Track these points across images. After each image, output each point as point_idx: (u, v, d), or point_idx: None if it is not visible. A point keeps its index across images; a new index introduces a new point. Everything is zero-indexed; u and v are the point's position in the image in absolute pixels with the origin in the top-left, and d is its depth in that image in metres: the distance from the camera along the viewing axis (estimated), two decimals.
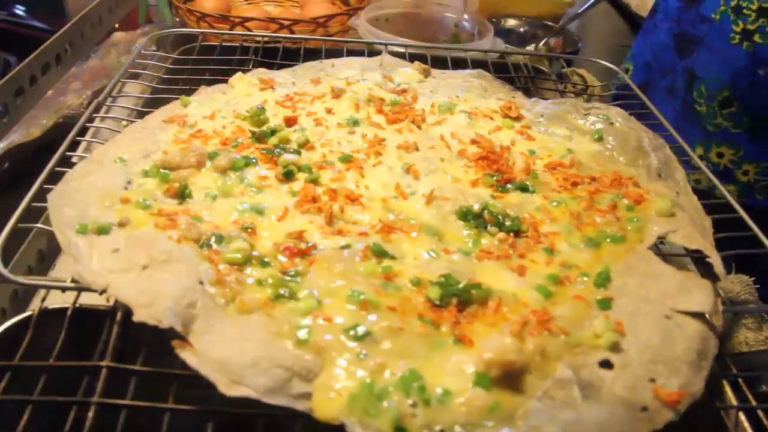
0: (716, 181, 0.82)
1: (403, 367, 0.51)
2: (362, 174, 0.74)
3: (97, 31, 1.01)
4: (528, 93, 1.02)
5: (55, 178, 0.71)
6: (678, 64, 1.23)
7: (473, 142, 0.83)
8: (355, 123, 0.84)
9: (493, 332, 0.55)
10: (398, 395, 0.48)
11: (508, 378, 0.51)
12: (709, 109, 1.18)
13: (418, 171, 0.76)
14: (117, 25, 1.42)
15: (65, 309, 0.58)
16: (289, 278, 0.59)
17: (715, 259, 0.67)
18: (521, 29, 1.52)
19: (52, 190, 0.67)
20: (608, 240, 0.68)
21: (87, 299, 0.60)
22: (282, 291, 0.56)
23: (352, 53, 1.07)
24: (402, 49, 1.09)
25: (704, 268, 0.72)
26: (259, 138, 0.79)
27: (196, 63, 0.97)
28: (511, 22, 1.52)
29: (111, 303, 0.59)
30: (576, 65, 1.23)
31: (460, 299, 0.57)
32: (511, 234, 0.68)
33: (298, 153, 0.77)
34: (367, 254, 0.62)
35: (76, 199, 0.66)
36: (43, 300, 0.59)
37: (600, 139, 0.85)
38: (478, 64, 1.08)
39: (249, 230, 0.64)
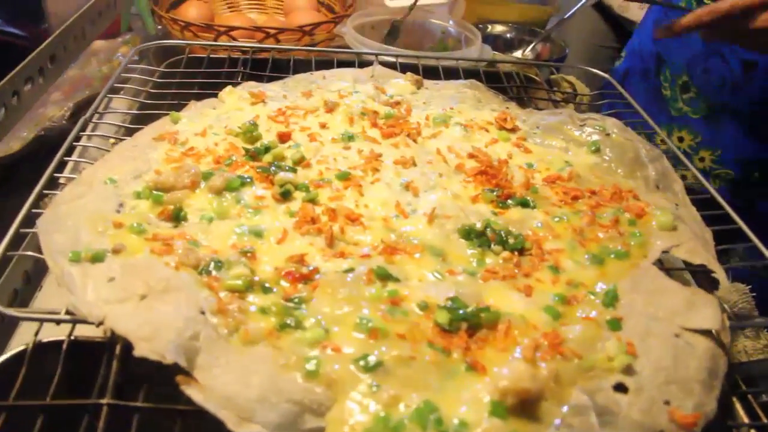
0: (707, 183, 0.82)
1: (417, 398, 0.49)
2: (361, 192, 0.73)
3: (80, 43, 0.98)
4: (521, 102, 1.01)
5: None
6: (652, 49, 1.27)
7: (470, 156, 0.82)
8: (350, 138, 0.83)
9: (506, 358, 0.54)
10: (414, 429, 0.47)
11: (524, 406, 0.50)
12: (673, 93, 1.21)
13: (417, 188, 0.74)
14: None
15: (60, 342, 0.56)
16: (293, 305, 0.57)
17: (721, 274, 0.66)
18: (508, 35, 1.51)
19: (42, 215, 0.65)
20: (612, 256, 0.67)
21: (83, 331, 0.58)
22: (288, 320, 0.55)
23: (341, 63, 1.06)
24: (392, 59, 1.08)
25: (701, 278, 0.72)
26: (253, 155, 0.77)
27: (184, 76, 0.95)
28: (498, 28, 1.52)
29: (108, 335, 0.56)
30: (563, 71, 1.23)
31: (469, 323, 0.56)
32: (515, 252, 0.67)
33: (294, 171, 0.75)
34: (371, 277, 0.61)
35: (66, 224, 0.64)
36: (37, 333, 0.57)
37: (597, 151, 0.85)
38: (469, 72, 1.07)
39: (248, 254, 0.62)
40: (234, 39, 1.24)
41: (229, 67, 1.00)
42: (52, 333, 0.60)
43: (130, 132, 0.81)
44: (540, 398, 0.50)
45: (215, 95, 0.91)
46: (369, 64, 1.05)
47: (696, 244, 0.69)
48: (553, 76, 1.18)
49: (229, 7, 1.53)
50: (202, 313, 0.55)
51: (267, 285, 0.60)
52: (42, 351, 0.56)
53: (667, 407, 0.52)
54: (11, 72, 0.83)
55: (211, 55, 1.01)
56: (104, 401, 0.52)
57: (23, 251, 0.65)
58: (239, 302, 0.57)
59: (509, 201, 0.75)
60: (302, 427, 0.48)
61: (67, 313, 0.57)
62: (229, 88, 0.90)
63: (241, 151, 0.78)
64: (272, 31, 1.27)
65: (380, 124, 0.87)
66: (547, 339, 0.55)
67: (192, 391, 0.50)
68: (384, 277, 0.61)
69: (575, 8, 1.32)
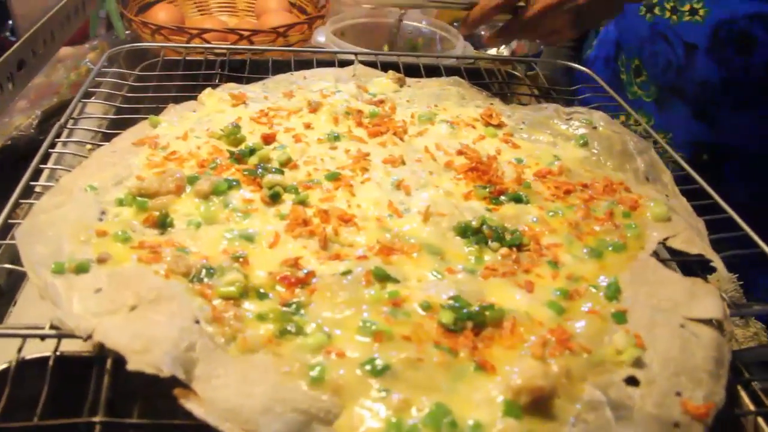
0: (697, 177, 0.82)
1: (428, 401, 0.48)
2: (352, 192, 0.71)
3: (49, 47, 0.94)
4: (504, 98, 1.01)
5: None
6: (612, 36, 1.31)
7: (459, 152, 0.81)
8: (336, 138, 0.81)
9: (514, 356, 0.53)
10: None
11: (537, 404, 0.48)
12: (628, 78, 1.25)
13: (409, 186, 0.73)
14: None
15: (46, 359, 0.53)
16: (291, 311, 0.55)
17: (718, 263, 0.66)
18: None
19: (19, 226, 0.62)
20: (610, 248, 0.67)
21: (69, 346, 0.55)
22: (288, 327, 0.53)
23: (320, 63, 1.04)
24: (373, 58, 1.06)
25: (689, 269, 0.72)
26: (239, 158, 0.75)
27: (160, 79, 0.92)
28: None
29: (97, 349, 0.53)
30: (541, 67, 1.23)
31: (474, 322, 0.55)
32: (514, 248, 0.66)
33: (281, 172, 0.73)
34: (369, 279, 0.59)
35: (47, 234, 0.61)
36: (20, 350, 0.54)
37: (585, 145, 0.84)
38: (450, 70, 1.06)
39: (241, 260, 0.60)
40: (207, 41, 1.21)
41: (207, 69, 0.97)
42: (35, 349, 0.56)
43: (107, 137, 0.78)
44: (553, 396, 0.49)
45: (194, 98, 0.88)
46: (348, 63, 1.04)
47: (691, 234, 0.69)
48: (529, 73, 1.18)
49: (199, 10, 1.50)
50: (197, 322, 0.53)
51: (262, 291, 0.57)
52: (26, 368, 0.53)
53: (679, 398, 0.51)
54: None
55: (186, 58, 0.98)
56: (97, 419, 0.49)
57: None
58: (235, 309, 0.54)
59: (502, 197, 0.74)
60: None
61: (52, 327, 0.53)
62: (208, 90, 0.88)
63: (226, 153, 0.76)
64: (246, 33, 1.24)
65: (366, 123, 0.85)
66: (554, 335, 0.54)
67: (192, 405, 0.47)
68: (383, 278, 0.59)
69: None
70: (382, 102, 0.91)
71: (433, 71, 1.05)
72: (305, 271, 0.59)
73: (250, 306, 0.56)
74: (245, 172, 0.72)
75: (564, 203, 0.73)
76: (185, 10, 1.46)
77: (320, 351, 0.51)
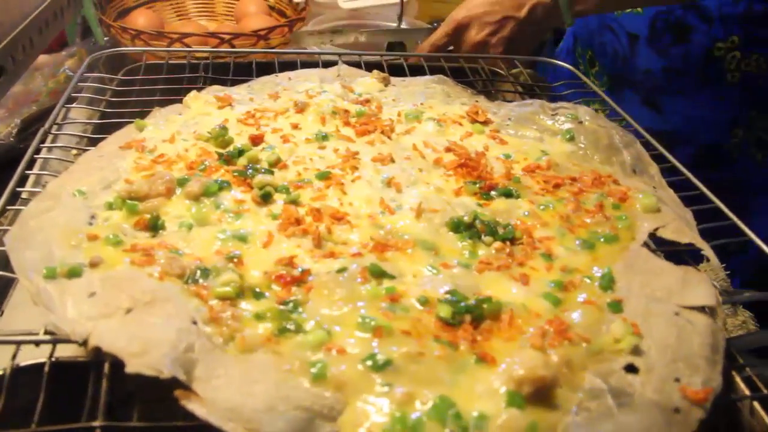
0: (683, 168, 0.83)
1: (430, 394, 0.47)
2: (344, 190, 0.71)
3: (28, 54, 0.93)
4: (488, 95, 1.01)
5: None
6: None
7: (447, 149, 0.81)
8: (324, 137, 0.81)
9: (514, 347, 0.53)
10: (434, 426, 0.45)
11: (540, 394, 0.48)
12: (585, 68, 1.30)
13: (399, 184, 0.73)
14: None
15: (41, 365, 0.52)
16: (288, 309, 0.55)
17: (709, 252, 0.67)
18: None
19: (8, 232, 0.60)
20: (602, 240, 0.67)
21: (63, 351, 0.54)
22: (287, 325, 0.52)
23: (304, 65, 1.03)
24: (356, 59, 1.06)
25: (675, 259, 0.73)
26: (228, 159, 0.74)
27: (144, 83, 0.91)
28: None
29: (93, 353, 0.52)
30: (524, 63, 1.23)
31: (472, 316, 0.55)
32: (507, 242, 0.66)
33: (271, 173, 0.73)
34: (365, 276, 0.59)
35: (37, 240, 0.60)
36: (14, 357, 0.53)
37: (572, 139, 0.85)
38: (433, 68, 1.06)
39: (235, 260, 0.59)
40: (188, 46, 1.20)
41: (190, 72, 0.96)
42: (28, 356, 0.55)
43: (92, 142, 0.77)
44: (555, 385, 0.49)
45: (179, 101, 0.87)
46: (331, 64, 1.03)
47: (681, 224, 0.70)
48: (513, 71, 1.19)
49: (177, 15, 1.49)
50: (194, 323, 0.52)
51: (258, 290, 0.57)
52: (21, 375, 0.52)
53: (677, 384, 0.51)
54: None
55: (170, 62, 0.98)
56: (97, 424, 0.48)
57: None
58: (232, 309, 0.54)
59: (492, 192, 0.74)
60: None
61: (47, 332, 0.53)
62: (193, 93, 0.87)
63: (214, 155, 0.75)
64: (227, 37, 1.24)
65: (353, 123, 0.85)
66: (552, 326, 0.54)
67: (193, 406, 0.46)
68: (378, 274, 0.59)
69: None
70: (368, 101, 0.91)
71: (416, 70, 1.05)
72: (300, 269, 0.59)
73: (246, 306, 0.55)
74: (235, 173, 0.71)
75: (554, 197, 0.74)
76: (164, 15, 1.45)
77: (320, 348, 0.51)
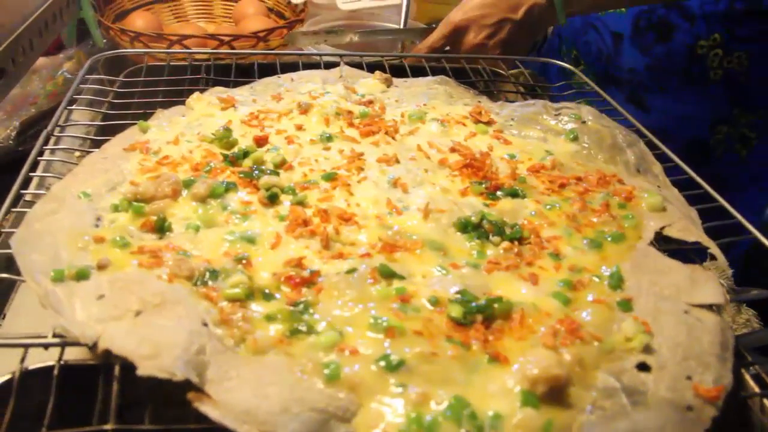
0: (686, 168, 0.84)
1: (445, 394, 0.47)
2: (350, 191, 0.71)
3: (28, 56, 0.92)
4: (490, 96, 1.01)
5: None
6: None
7: (452, 150, 0.81)
8: (329, 138, 0.81)
9: (525, 347, 0.53)
10: (450, 426, 0.45)
11: (554, 393, 0.48)
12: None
13: (406, 184, 0.73)
14: None
15: (50, 368, 0.52)
16: (299, 310, 0.55)
17: (715, 250, 0.67)
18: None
19: (14, 235, 0.60)
20: (609, 239, 0.67)
21: (72, 354, 0.54)
22: (299, 326, 0.52)
23: (305, 66, 1.03)
24: (358, 60, 1.06)
25: (679, 258, 0.73)
26: (233, 161, 0.74)
27: (146, 85, 0.91)
28: None
29: (102, 357, 0.52)
30: (525, 64, 1.24)
31: (483, 315, 0.55)
32: (515, 242, 0.66)
33: (277, 174, 0.72)
34: (375, 276, 0.59)
35: (43, 242, 0.59)
36: (23, 360, 0.52)
37: (575, 139, 0.85)
38: (435, 69, 1.06)
39: (243, 262, 0.59)
40: (187, 47, 1.20)
41: (191, 74, 0.96)
42: (36, 359, 0.55)
43: (95, 144, 0.77)
44: (568, 384, 0.49)
45: (181, 103, 0.87)
46: (331, 65, 1.03)
47: (687, 223, 0.70)
48: (512, 71, 1.19)
49: (176, 17, 1.49)
50: (205, 325, 0.52)
51: (267, 291, 0.57)
52: (30, 379, 0.52)
53: (690, 382, 0.51)
54: None
55: (171, 63, 0.97)
56: (109, 427, 0.48)
57: None
58: (242, 311, 0.54)
59: (498, 192, 0.74)
60: None
61: (56, 335, 0.52)
62: (196, 94, 0.87)
63: (219, 157, 0.75)
64: (227, 39, 1.23)
65: (357, 124, 0.85)
66: (563, 325, 0.54)
67: (207, 408, 0.46)
68: (388, 275, 0.59)
69: None
70: (371, 102, 0.91)
71: (418, 71, 1.05)
72: (310, 270, 0.59)
73: (257, 307, 0.55)
74: (241, 175, 0.71)
75: (560, 196, 0.74)
76: (162, 17, 1.45)
77: (333, 349, 0.50)
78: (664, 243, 0.71)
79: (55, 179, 0.70)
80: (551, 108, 0.91)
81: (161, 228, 0.63)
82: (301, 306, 0.55)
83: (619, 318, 0.57)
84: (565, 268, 0.63)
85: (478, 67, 1.09)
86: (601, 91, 1.00)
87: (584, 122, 0.88)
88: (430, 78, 1.00)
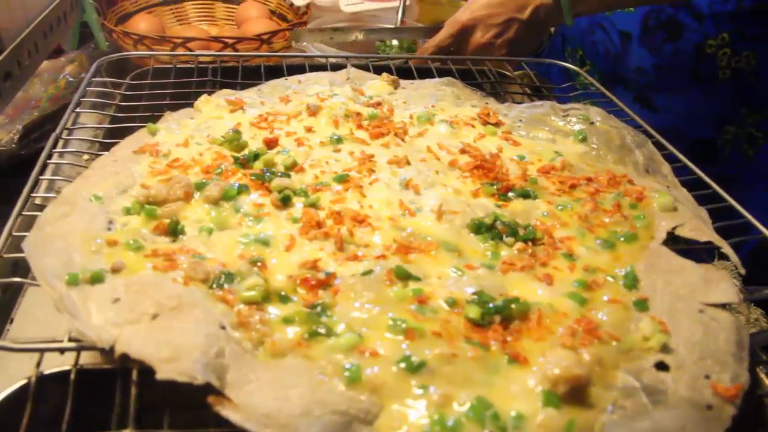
0: (694, 168, 0.84)
1: (467, 396, 0.47)
2: (363, 193, 0.71)
3: (34, 59, 0.92)
4: (497, 97, 1.01)
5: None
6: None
7: (462, 151, 0.81)
8: (339, 140, 0.81)
9: (544, 347, 0.53)
10: (473, 427, 0.45)
11: (575, 393, 0.48)
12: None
13: (417, 186, 0.73)
14: None
15: (67, 373, 0.51)
16: (317, 312, 0.54)
17: (728, 249, 0.67)
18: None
19: (26, 238, 0.60)
20: (621, 239, 0.67)
21: (87, 358, 0.53)
22: (318, 328, 0.52)
23: (312, 68, 1.03)
24: (363, 62, 1.06)
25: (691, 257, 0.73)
26: (243, 163, 0.74)
27: (153, 88, 0.90)
28: None
29: (120, 360, 0.52)
30: (531, 66, 1.24)
31: (501, 316, 0.55)
32: (528, 243, 0.66)
33: (288, 176, 0.72)
34: (391, 278, 0.58)
35: (55, 246, 0.59)
36: (39, 364, 0.52)
37: (584, 140, 0.85)
38: (441, 71, 1.06)
39: (259, 264, 0.59)
40: (191, 50, 1.20)
41: (198, 76, 0.95)
42: (51, 364, 0.55)
43: (104, 147, 0.77)
44: (589, 384, 0.49)
45: (188, 105, 0.87)
46: (338, 67, 1.03)
47: (698, 223, 0.70)
48: (516, 73, 1.19)
49: (178, 20, 1.48)
50: (223, 328, 0.52)
51: (284, 294, 0.56)
52: (46, 383, 0.51)
53: (708, 381, 0.51)
54: None
55: (177, 66, 0.97)
56: (127, 431, 0.47)
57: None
58: (260, 314, 0.54)
59: (510, 193, 0.74)
60: None
61: (71, 339, 0.52)
62: (204, 96, 0.86)
63: (230, 159, 0.74)
64: (230, 41, 1.23)
65: (366, 125, 0.85)
66: (581, 325, 0.54)
67: (228, 412, 0.46)
68: (404, 276, 0.59)
69: None
70: (379, 104, 0.91)
71: (424, 72, 1.05)
72: (325, 273, 0.59)
73: (274, 310, 0.55)
74: (252, 177, 0.71)
75: (571, 197, 0.74)
76: (164, 20, 1.44)
77: (353, 351, 0.50)
78: (672, 243, 0.71)
79: (64, 182, 0.70)
80: (559, 109, 0.92)
81: (174, 231, 0.63)
82: (319, 308, 0.55)
83: (635, 318, 0.57)
84: (580, 269, 0.63)
85: (483, 69, 1.09)
86: (607, 92, 1.00)
87: (592, 123, 0.88)
88: (437, 79, 1.00)
